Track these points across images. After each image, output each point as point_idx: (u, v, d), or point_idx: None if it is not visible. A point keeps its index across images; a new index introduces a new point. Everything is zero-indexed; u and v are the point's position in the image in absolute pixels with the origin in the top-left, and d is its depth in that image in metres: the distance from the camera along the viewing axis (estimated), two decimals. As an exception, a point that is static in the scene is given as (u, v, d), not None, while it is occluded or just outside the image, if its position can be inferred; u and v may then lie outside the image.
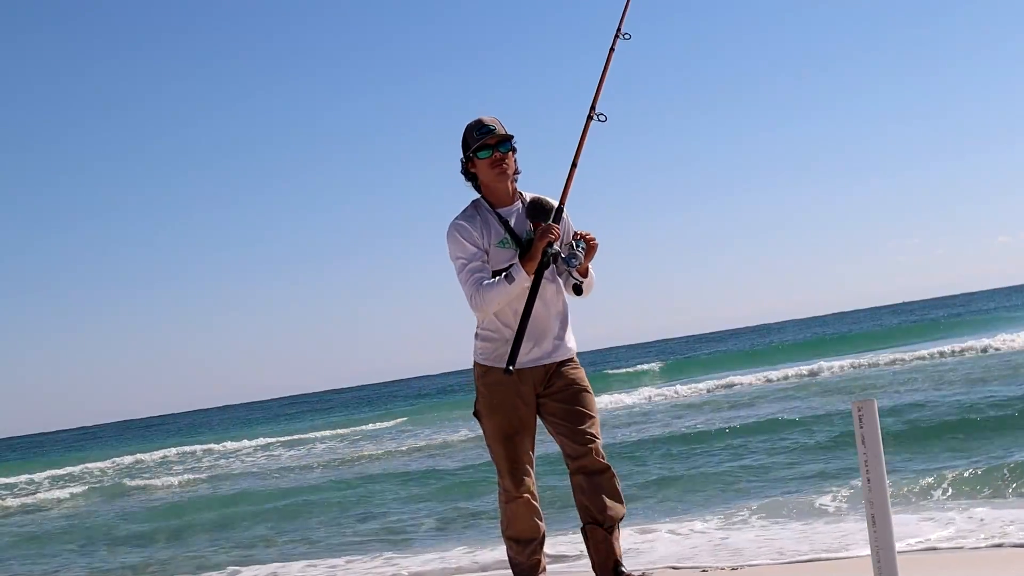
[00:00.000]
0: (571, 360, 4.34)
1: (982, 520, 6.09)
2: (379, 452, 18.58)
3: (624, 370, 40.55)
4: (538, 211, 4.27)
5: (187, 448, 28.90)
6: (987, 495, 7.23)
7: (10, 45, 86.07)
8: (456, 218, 4.25)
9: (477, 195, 4.32)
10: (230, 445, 28.01)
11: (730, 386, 23.14)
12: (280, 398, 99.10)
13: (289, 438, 27.57)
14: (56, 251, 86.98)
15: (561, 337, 4.30)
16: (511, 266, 4.13)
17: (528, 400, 4.28)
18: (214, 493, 15.61)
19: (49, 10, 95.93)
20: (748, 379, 23.75)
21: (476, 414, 4.37)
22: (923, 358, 22.53)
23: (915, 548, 5.50)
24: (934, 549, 5.46)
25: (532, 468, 4.33)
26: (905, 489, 7.54)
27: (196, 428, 53.53)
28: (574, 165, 4.25)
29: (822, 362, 24.37)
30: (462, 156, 4.27)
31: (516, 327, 4.15)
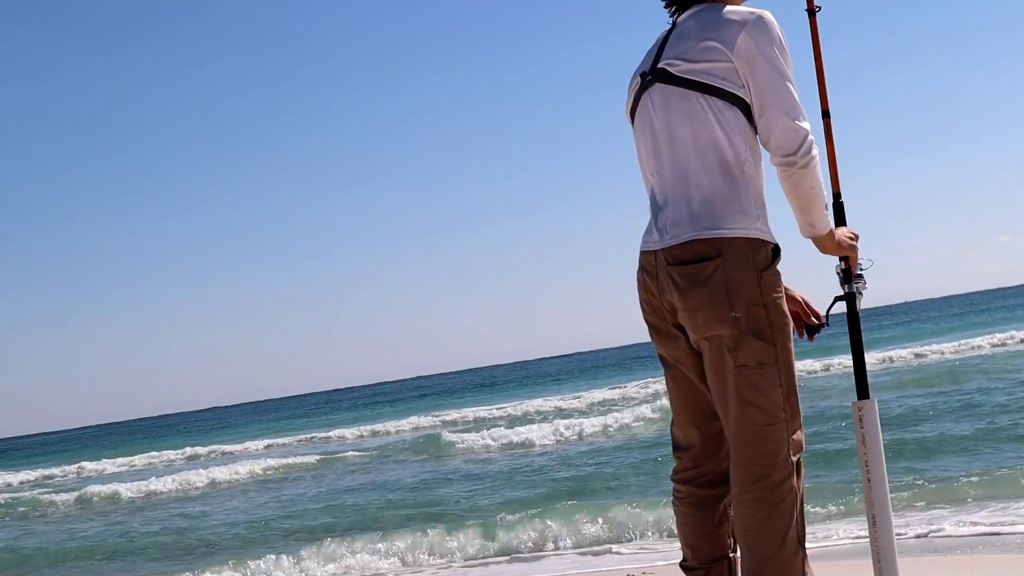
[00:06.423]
0: None
1: None
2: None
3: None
4: None
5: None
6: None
7: (9, 43, 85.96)
8: (766, 13, 2.69)
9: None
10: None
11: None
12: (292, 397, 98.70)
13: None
14: (50, 247, 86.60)
15: None
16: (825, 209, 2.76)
17: None
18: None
19: (48, 7, 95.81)
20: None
21: (766, 331, 2.65)
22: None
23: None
24: None
25: None
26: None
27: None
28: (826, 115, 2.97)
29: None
30: None
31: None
